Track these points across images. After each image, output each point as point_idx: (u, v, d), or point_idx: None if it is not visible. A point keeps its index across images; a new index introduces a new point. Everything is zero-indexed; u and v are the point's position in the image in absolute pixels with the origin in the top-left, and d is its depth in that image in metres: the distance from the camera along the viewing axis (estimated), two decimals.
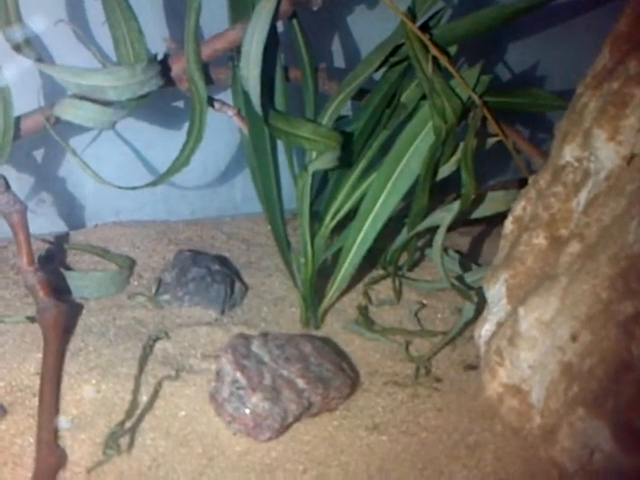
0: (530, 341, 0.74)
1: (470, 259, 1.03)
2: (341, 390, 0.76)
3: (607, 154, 0.73)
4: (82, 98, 0.73)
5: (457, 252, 1.04)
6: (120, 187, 0.79)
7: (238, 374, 0.71)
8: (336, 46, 0.98)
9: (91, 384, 0.76)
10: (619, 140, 0.72)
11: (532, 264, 0.82)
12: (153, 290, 0.94)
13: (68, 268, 0.96)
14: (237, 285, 0.95)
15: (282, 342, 0.78)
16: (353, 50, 0.98)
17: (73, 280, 0.91)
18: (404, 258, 1.01)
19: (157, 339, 0.82)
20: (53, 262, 0.94)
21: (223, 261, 0.98)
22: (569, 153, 0.81)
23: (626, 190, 0.69)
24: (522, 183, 0.93)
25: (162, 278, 0.95)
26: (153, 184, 0.80)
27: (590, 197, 0.75)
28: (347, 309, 0.96)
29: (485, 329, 0.85)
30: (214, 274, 0.94)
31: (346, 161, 0.86)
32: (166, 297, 0.93)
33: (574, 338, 0.68)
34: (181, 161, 0.81)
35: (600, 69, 0.81)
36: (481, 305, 0.89)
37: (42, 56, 0.78)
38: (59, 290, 0.87)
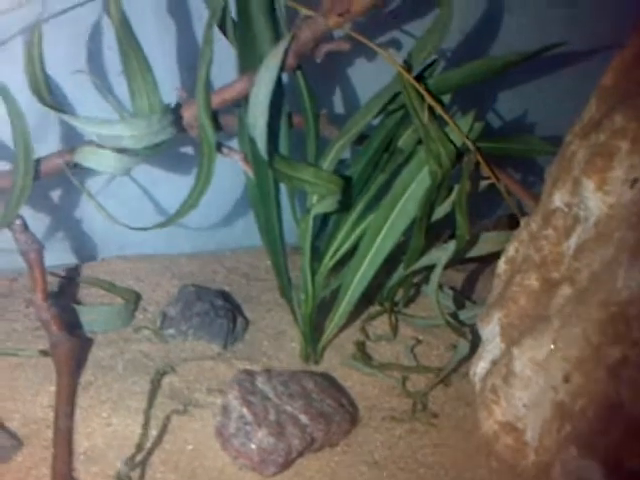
0: (524, 381, 0.78)
1: (465, 296, 1.07)
2: (342, 425, 0.79)
3: (595, 203, 0.77)
4: (101, 146, 0.77)
5: (452, 289, 1.08)
6: (131, 228, 0.83)
7: (245, 410, 0.74)
8: (337, 93, 1.02)
9: (102, 417, 0.79)
10: (606, 190, 0.76)
11: (525, 304, 0.86)
12: (158, 324, 0.97)
13: (77, 302, 0.99)
14: (239, 320, 0.98)
15: (285, 378, 0.81)
16: (352, 97, 1.02)
17: (83, 314, 0.94)
18: (401, 293, 1.05)
19: (164, 373, 0.85)
20: (64, 296, 0.97)
21: (226, 296, 1.02)
22: (559, 198, 0.85)
23: (614, 237, 0.74)
24: (512, 221, 0.97)
25: (167, 312, 0.98)
26: (162, 225, 0.84)
27: (580, 242, 0.79)
28: (345, 344, 0.99)
29: (480, 367, 0.88)
30: (217, 309, 0.97)
31: (346, 203, 0.90)
32: (171, 331, 0.96)
33: (566, 379, 0.72)
34: (190, 203, 0.85)
35: (587, 120, 0.86)
36: (475, 342, 0.93)
37: (63, 105, 0.82)
38: (70, 324, 0.90)
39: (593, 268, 0.76)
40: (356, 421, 0.83)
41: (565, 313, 0.77)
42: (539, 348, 0.78)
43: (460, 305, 1.03)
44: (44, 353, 0.85)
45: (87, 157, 0.77)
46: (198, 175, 0.86)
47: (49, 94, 0.77)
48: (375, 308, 1.05)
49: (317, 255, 0.94)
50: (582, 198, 0.80)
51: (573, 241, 0.82)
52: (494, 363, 0.88)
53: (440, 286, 1.06)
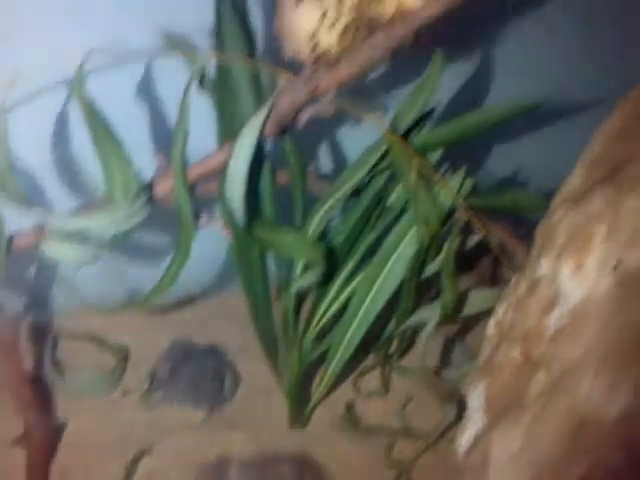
0: (499, 469, 0.75)
1: (459, 351, 1.04)
2: None
3: (571, 289, 0.74)
4: (65, 237, 0.76)
5: (453, 341, 1.05)
6: (101, 311, 0.82)
7: None
8: (324, 149, 0.99)
9: None
10: (582, 277, 0.72)
11: (509, 377, 0.83)
12: (146, 386, 0.97)
13: (60, 362, 0.98)
14: (229, 379, 0.98)
15: (259, 466, 0.81)
16: (341, 154, 1.00)
17: (68, 381, 0.94)
18: (396, 344, 1.03)
19: (141, 457, 0.85)
20: (46, 359, 0.97)
21: (216, 353, 1.01)
22: (545, 265, 0.82)
23: (585, 335, 0.70)
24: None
25: (155, 372, 0.98)
26: (139, 305, 0.83)
27: (558, 326, 0.76)
28: (337, 402, 0.98)
29: (465, 438, 0.86)
30: (205, 372, 0.96)
31: (329, 273, 0.88)
32: (158, 395, 0.96)
33: None
34: (168, 279, 0.83)
35: (572, 188, 0.81)
36: (463, 406, 0.91)
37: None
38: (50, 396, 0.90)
39: (565, 362, 0.72)
40: None
41: (537, 408, 0.73)
42: (513, 440, 0.75)
43: (452, 363, 1.01)
44: (16, 442, 0.83)
45: (52, 248, 0.76)
46: (176, 249, 0.84)
47: (16, 185, 0.75)
48: (370, 359, 1.03)
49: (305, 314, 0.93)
50: (561, 280, 0.77)
51: (553, 320, 0.79)
52: (477, 439, 0.86)
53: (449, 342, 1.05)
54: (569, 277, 0.75)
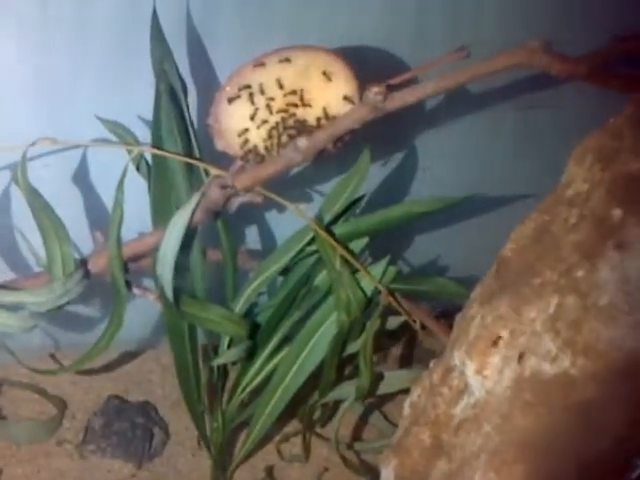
0: None
1: (378, 423, 1.09)
2: None
3: (475, 384, 0.79)
4: (4, 308, 0.81)
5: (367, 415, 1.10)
6: (40, 372, 0.87)
7: None
8: (255, 230, 1.05)
9: None
10: (484, 375, 0.78)
11: (417, 459, 0.88)
12: (81, 437, 1.02)
13: (3, 410, 1.04)
14: (157, 437, 1.03)
15: None
16: (270, 236, 1.05)
17: (7, 429, 0.99)
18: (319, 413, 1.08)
19: None
20: None
21: (147, 411, 1.06)
22: (457, 357, 0.87)
23: (482, 430, 0.76)
24: None
25: (90, 425, 1.03)
26: (69, 369, 0.88)
27: (462, 417, 0.82)
28: (259, 464, 1.03)
29: None
30: (136, 429, 1.01)
31: (253, 349, 0.94)
32: (91, 447, 1.00)
33: None
34: (100, 346, 0.89)
35: (487, 286, 0.87)
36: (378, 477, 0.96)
37: None
38: None
39: (465, 453, 0.78)
40: None
41: None
42: None
43: (375, 433, 1.06)
44: None
45: None
46: (110, 319, 0.90)
47: None
48: (294, 425, 1.08)
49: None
50: (467, 373, 0.82)
51: (460, 410, 0.84)
52: None
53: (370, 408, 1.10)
54: (474, 373, 0.80)
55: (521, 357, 0.76)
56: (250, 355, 0.96)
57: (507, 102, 1.09)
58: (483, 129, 1.09)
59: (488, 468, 0.71)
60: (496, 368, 0.78)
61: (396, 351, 1.19)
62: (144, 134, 0.88)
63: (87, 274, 0.87)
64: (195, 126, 0.87)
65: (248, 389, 0.97)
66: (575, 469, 0.62)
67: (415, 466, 0.90)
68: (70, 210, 0.87)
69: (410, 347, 1.18)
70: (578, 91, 1.02)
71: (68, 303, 0.84)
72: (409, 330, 0.99)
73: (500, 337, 0.78)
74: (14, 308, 0.83)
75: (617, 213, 0.71)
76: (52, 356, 1.12)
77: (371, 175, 0.93)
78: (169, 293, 0.88)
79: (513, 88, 1.06)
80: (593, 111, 0.85)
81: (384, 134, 0.89)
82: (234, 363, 0.97)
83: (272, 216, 1.02)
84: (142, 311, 1.09)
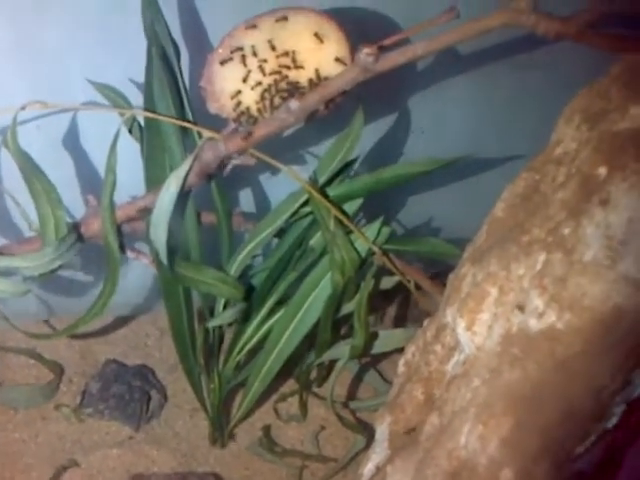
0: None
1: (373, 382, 1.11)
2: None
3: (465, 340, 0.80)
4: None
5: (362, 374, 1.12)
6: (35, 336, 0.88)
7: None
8: (249, 193, 1.05)
9: None
10: (474, 331, 0.79)
11: (411, 415, 0.90)
12: (78, 401, 1.03)
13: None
14: (155, 399, 1.04)
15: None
16: (265, 198, 1.05)
17: (4, 393, 1.01)
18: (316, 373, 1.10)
19: (66, 468, 0.92)
20: None
21: (144, 374, 1.07)
22: (449, 314, 0.88)
23: (472, 384, 0.77)
24: None
25: (88, 388, 1.04)
26: (63, 333, 0.89)
27: (453, 373, 0.83)
28: (256, 423, 1.05)
29: (368, 468, 0.93)
30: (133, 391, 1.03)
31: (248, 311, 0.95)
32: (89, 410, 1.02)
33: None
34: (95, 311, 0.90)
35: (478, 245, 0.88)
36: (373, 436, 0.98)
37: None
38: None
39: (455, 407, 0.79)
40: None
41: (427, 447, 0.81)
42: (405, 473, 0.83)
43: (370, 391, 1.07)
44: None
45: None
46: (104, 283, 0.90)
47: None
48: (291, 385, 1.10)
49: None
50: (458, 330, 0.83)
51: (451, 366, 0.86)
52: (378, 469, 0.93)
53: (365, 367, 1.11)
54: (464, 330, 0.82)
55: (509, 313, 0.78)
56: (245, 317, 0.97)
57: (502, 63, 1.08)
58: (478, 90, 1.09)
59: (476, 421, 0.73)
60: (485, 324, 0.79)
61: (391, 312, 1.20)
62: (136, 98, 0.88)
63: (80, 238, 0.87)
64: (188, 89, 0.87)
65: (244, 350, 0.99)
66: (559, 419, 0.64)
67: (408, 421, 0.92)
68: (62, 174, 0.87)
69: (405, 308, 1.20)
70: (572, 51, 1.02)
71: (61, 267, 0.84)
72: (403, 291, 1.00)
73: (489, 294, 0.79)
74: (7, 273, 0.83)
75: (603, 171, 0.72)
76: (47, 322, 1.13)
77: (365, 137, 0.93)
78: (163, 256, 0.88)
79: (508, 48, 1.06)
80: (587, 71, 0.85)
81: (378, 95, 0.90)
82: (230, 324, 0.99)
83: (266, 179, 1.03)
84: (138, 275, 1.11)
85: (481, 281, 0.83)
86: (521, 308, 0.76)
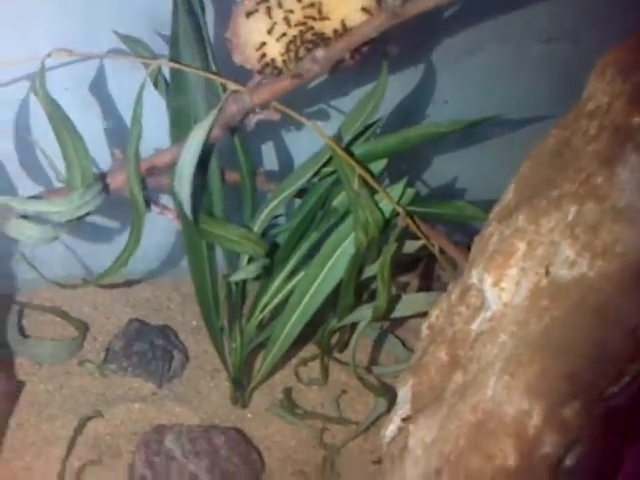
0: (414, 459, 0.82)
1: (393, 347, 1.10)
2: None
3: (492, 297, 0.79)
4: (27, 219, 0.83)
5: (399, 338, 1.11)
6: (59, 285, 0.88)
7: (147, 471, 0.81)
8: (273, 151, 1.05)
9: (25, 461, 0.87)
10: (502, 287, 0.78)
11: (434, 376, 0.89)
12: (102, 357, 1.04)
13: (26, 331, 1.06)
14: (177, 358, 1.04)
15: (196, 435, 0.87)
16: (289, 157, 1.05)
17: (29, 348, 1.02)
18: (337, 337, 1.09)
19: (90, 418, 0.92)
20: (10, 326, 1.04)
21: (167, 333, 1.07)
22: (474, 275, 0.87)
23: (498, 340, 0.76)
24: None
25: (111, 346, 1.05)
26: (91, 283, 0.89)
27: (479, 331, 0.82)
28: (277, 386, 1.04)
29: (390, 429, 0.92)
30: (155, 349, 1.03)
31: (270, 268, 0.94)
32: (112, 366, 1.03)
33: (438, 474, 0.76)
34: (120, 262, 0.90)
35: (505, 204, 0.87)
36: (394, 400, 0.97)
37: None
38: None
39: (480, 364, 0.78)
40: (262, 477, 0.89)
41: (452, 403, 0.80)
42: (429, 430, 0.82)
43: (391, 356, 1.06)
44: None
45: (14, 229, 0.82)
46: (130, 235, 0.91)
47: None
48: (312, 349, 1.09)
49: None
50: (485, 288, 0.82)
51: (476, 325, 0.84)
52: (400, 430, 0.92)
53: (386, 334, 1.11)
54: (491, 286, 0.80)
55: (538, 268, 0.76)
56: (268, 275, 0.96)
57: (529, 35, 1.07)
58: (505, 60, 1.08)
59: (503, 373, 0.72)
60: (513, 280, 0.78)
61: (414, 283, 1.19)
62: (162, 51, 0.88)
63: (106, 188, 0.87)
64: (212, 42, 0.87)
65: (267, 309, 0.98)
66: (589, 362, 0.63)
67: (432, 382, 0.91)
68: (89, 128, 0.87)
69: (428, 279, 1.18)
70: (597, 25, 1.01)
71: (88, 214, 0.85)
72: (427, 261, 0.99)
73: (518, 249, 0.78)
74: (36, 221, 0.84)
75: (637, 119, 0.71)
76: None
77: (389, 97, 0.92)
78: (187, 208, 0.88)
79: (534, 20, 1.05)
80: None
81: (402, 57, 0.88)
82: (253, 281, 0.98)
83: (289, 136, 1.02)
84: (159, 239, 1.11)
85: (509, 237, 0.81)
86: (551, 261, 0.75)
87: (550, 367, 0.65)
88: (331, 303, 0.99)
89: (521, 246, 0.79)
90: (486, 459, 0.70)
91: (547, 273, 0.72)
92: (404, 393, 0.95)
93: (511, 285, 0.79)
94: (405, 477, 0.84)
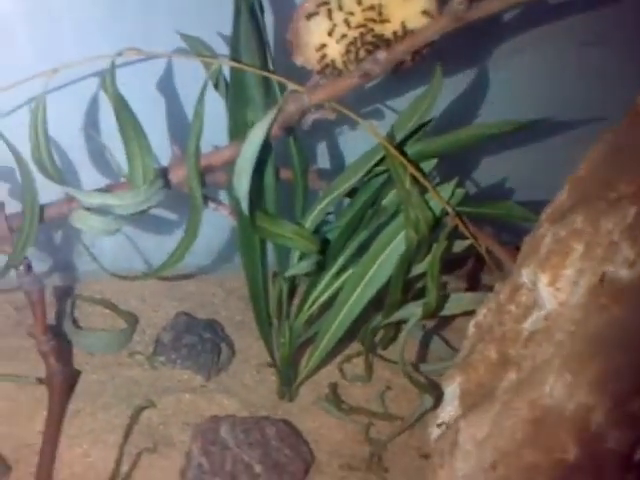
0: (464, 454, 0.83)
1: (438, 346, 1.11)
2: (295, 475, 0.87)
3: (547, 296, 0.80)
4: (92, 211, 0.85)
5: (442, 337, 1.12)
6: (115, 275, 0.91)
7: (203, 459, 0.83)
8: (325, 151, 1.06)
9: (83, 448, 0.89)
10: (558, 287, 0.79)
11: (483, 374, 0.90)
12: (151, 350, 1.06)
13: (78, 322, 1.09)
14: (224, 351, 1.06)
15: (249, 426, 0.89)
16: (341, 156, 1.07)
17: (82, 338, 1.04)
18: (382, 334, 1.10)
19: (144, 408, 0.95)
20: (66, 316, 1.07)
21: (214, 327, 1.10)
22: (526, 275, 0.88)
23: (555, 338, 0.77)
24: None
25: (160, 338, 1.07)
26: (147, 276, 0.91)
27: (532, 330, 0.83)
28: (322, 382, 1.06)
29: (438, 426, 0.94)
30: (204, 342, 1.05)
31: (322, 263, 0.96)
32: (162, 359, 1.05)
33: (493, 467, 0.77)
34: (176, 257, 0.92)
35: (558, 206, 0.88)
36: (441, 395, 0.99)
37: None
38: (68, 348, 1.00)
39: (536, 362, 0.80)
40: (310, 469, 0.91)
41: (505, 400, 0.81)
42: (480, 427, 0.83)
43: (436, 354, 1.08)
44: (41, 381, 0.95)
45: (79, 220, 0.85)
46: (186, 229, 0.93)
47: (52, 164, 0.84)
48: (357, 346, 1.11)
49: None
50: (539, 288, 0.83)
51: (529, 324, 0.86)
52: (448, 426, 0.93)
53: (430, 334, 1.12)
54: (547, 287, 0.82)
55: (596, 268, 0.77)
56: (318, 271, 0.98)
57: (571, 38, 1.08)
58: (549, 62, 1.09)
59: (563, 370, 0.73)
60: (569, 280, 0.79)
61: (456, 283, 1.20)
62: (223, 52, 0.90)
63: (167, 183, 0.90)
64: (271, 44, 0.89)
65: (316, 304, 1.00)
66: None
67: (481, 380, 0.92)
68: (153, 124, 0.89)
69: (473, 279, 1.19)
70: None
71: (150, 208, 0.87)
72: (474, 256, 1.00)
73: (574, 250, 0.79)
74: (100, 213, 0.86)
75: None
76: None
77: (442, 96, 0.94)
78: (245, 206, 0.90)
79: (576, 24, 1.06)
80: None
81: (459, 53, 0.90)
82: (303, 277, 1.00)
83: (342, 135, 1.04)
84: (208, 236, 1.13)
85: (565, 238, 0.83)
86: (610, 262, 0.76)
87: (614, 362, 0.66)
88: (376, 302, 1.01)
89: (578, 247, 0.80)
90: (545, 452, 0.71)
91: (606, 273, 0.73)
92: (452, 390, 0.96)
93: (567, 285, 0.80)
94: (456, 471, 0.86)
